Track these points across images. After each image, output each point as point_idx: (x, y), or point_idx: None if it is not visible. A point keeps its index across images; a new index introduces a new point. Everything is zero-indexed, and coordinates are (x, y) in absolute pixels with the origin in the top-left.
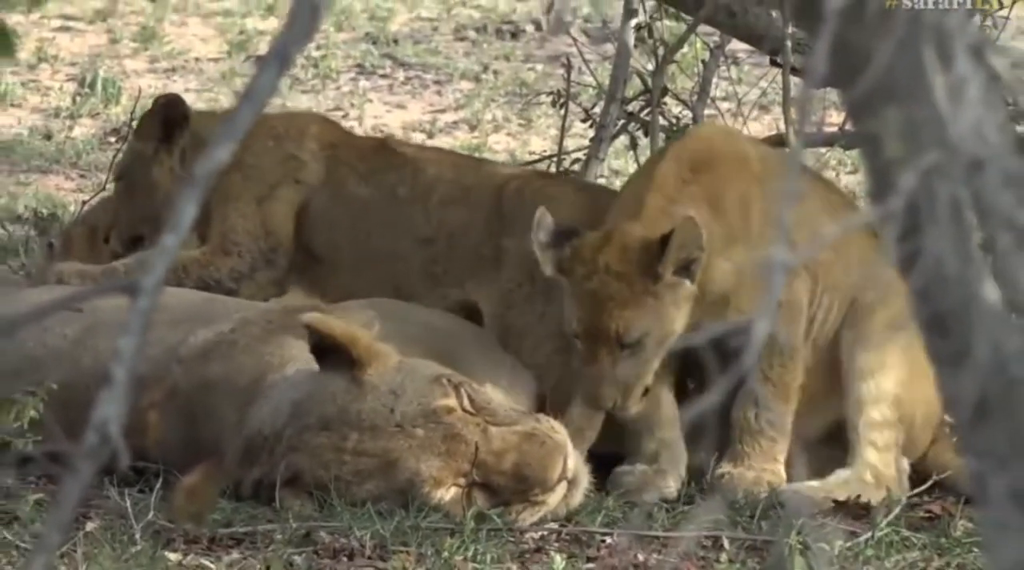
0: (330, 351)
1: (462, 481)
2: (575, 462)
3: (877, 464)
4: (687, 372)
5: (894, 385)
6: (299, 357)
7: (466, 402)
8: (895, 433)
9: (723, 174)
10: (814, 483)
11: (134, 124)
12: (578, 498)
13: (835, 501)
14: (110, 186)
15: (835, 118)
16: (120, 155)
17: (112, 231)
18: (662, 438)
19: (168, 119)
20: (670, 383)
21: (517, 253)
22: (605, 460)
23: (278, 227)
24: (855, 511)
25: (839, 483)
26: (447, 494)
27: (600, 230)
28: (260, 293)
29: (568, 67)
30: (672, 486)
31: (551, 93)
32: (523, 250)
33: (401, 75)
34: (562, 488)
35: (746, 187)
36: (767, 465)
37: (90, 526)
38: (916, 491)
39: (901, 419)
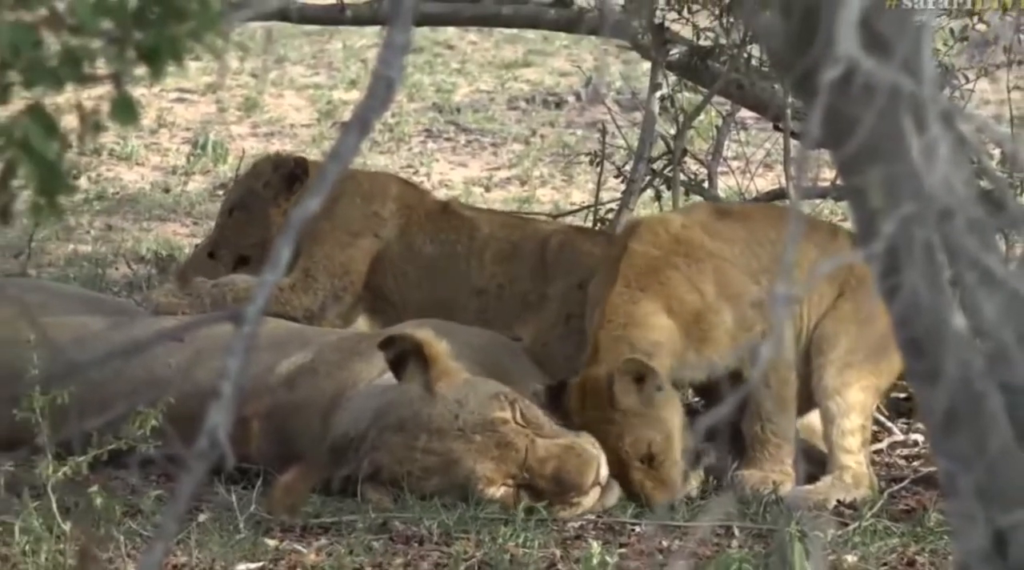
0: (406, 363)
1: (511, 482)
2: (607, 471)
3: (852, 465)
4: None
5: (858, 392)
6: (367, 376)
7: (518, 416)
8: (863, 434)
9: (667, 275)
10: (810, 487)
11: (241, 175)
12: (612, 499)
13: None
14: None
15: (828, 174)
16: (233, 191)
17: (221, 250)
18: (680, 447)
19: (293, 174)
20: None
21: (557, 299)
22: None
23: (353, 270)
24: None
25: (827, 486)
26: (498, 492)
27: (577, 380)
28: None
29: (603, 132)
30: (694, 484)
31: (589, 154)
32: (562, 296)
33: (463, 139)
34: (596, 492)
35: (690, 271)
36: (775, 466)
37: (202, 517)
38: (896, 488)
39: (867, 418)
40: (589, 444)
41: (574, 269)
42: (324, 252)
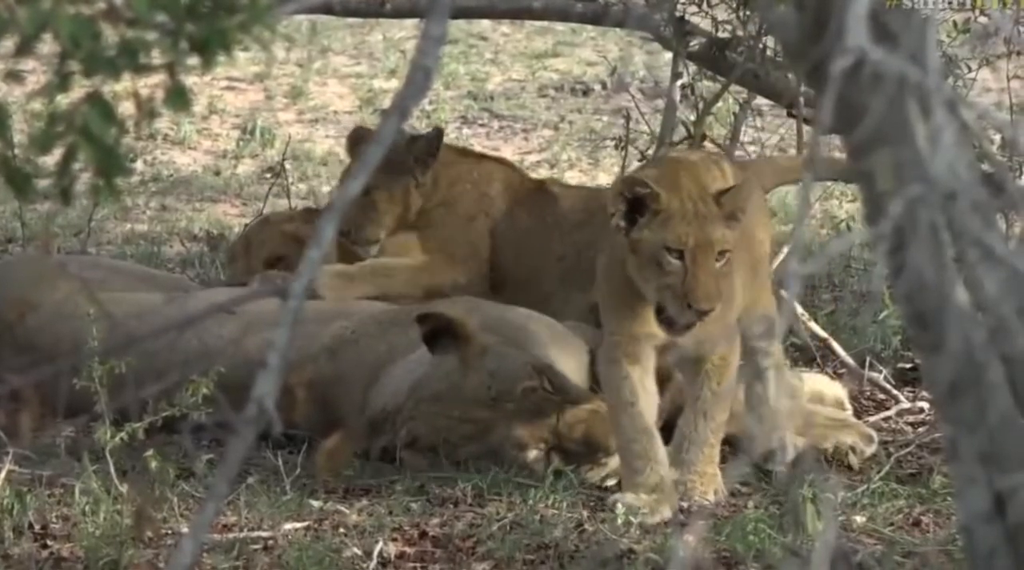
0: (440, 337)
1: (542, 446)
2: None
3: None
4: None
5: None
6: (405, 347)
7: (547, 383)
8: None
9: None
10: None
11: (287, 163)
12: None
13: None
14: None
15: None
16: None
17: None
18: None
19: (431, 150)
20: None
21: None
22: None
23: (481, 250)
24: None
25: (795, 437)
26: (530, 455)
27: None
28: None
29: (628, 118)
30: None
31: (614, 139)
32: None
33: (496, 125)
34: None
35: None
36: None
37: (250, 480)
38: (902, 452)
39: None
40: None
41: None
42: (447, 234)
